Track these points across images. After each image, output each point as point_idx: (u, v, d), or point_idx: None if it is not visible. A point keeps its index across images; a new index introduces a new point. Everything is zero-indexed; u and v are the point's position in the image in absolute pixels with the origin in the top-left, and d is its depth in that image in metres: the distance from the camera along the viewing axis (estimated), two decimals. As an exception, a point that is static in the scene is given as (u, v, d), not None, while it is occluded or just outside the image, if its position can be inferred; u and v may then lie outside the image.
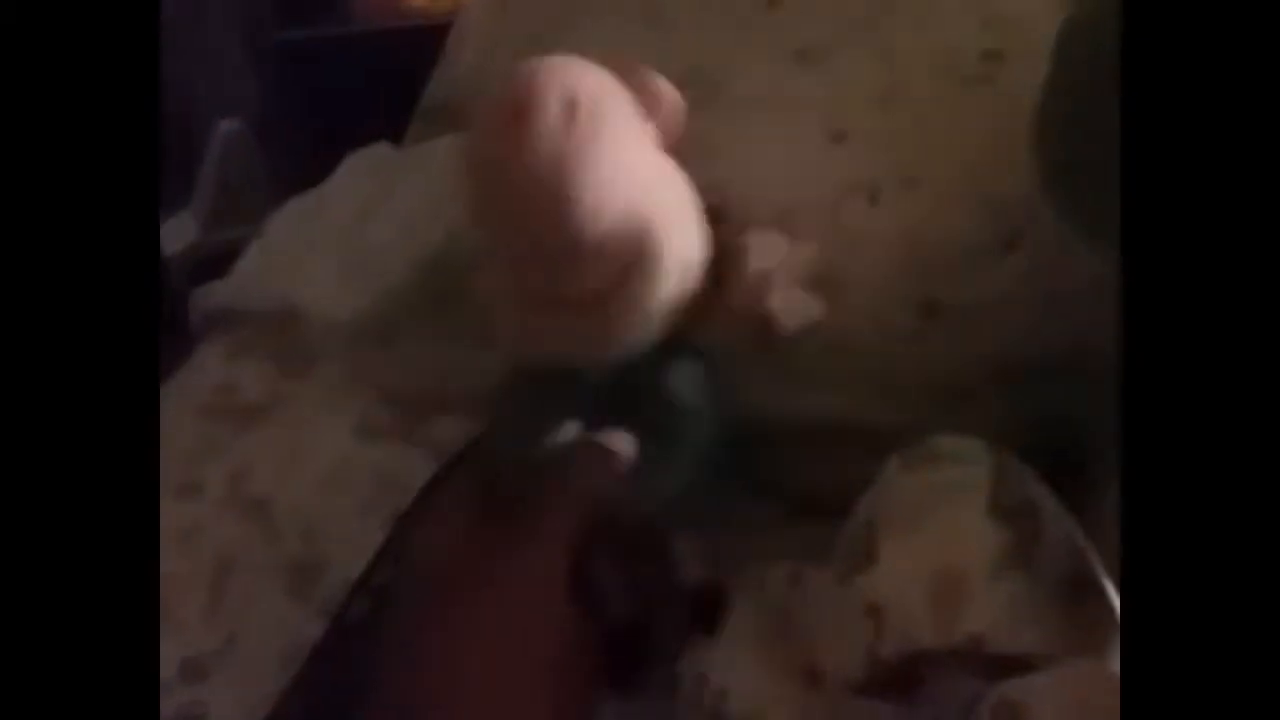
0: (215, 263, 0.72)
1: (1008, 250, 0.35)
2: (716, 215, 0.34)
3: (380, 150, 0.72)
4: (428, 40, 0.77)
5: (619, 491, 0.30)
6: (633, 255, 0.30)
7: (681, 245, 0.31)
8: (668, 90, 0.33)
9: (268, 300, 0.57)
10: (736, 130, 0.42)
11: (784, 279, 0.32)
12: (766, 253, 0.33)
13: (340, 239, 0.59)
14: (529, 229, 0.29)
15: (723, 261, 0.33)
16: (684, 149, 0.42)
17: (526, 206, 0.28)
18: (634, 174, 0.29)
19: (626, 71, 0.31)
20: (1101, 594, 0.25)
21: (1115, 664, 0.23)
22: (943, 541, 0.28)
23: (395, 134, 0.75)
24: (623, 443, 0.31)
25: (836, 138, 0.39)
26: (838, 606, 0.28)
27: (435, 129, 0.73)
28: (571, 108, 0.28)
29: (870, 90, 0.39)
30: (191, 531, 0.48)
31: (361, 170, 0.69)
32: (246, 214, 0.81)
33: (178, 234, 1.03)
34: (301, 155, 0.77)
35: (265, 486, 0.48)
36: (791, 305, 0.32)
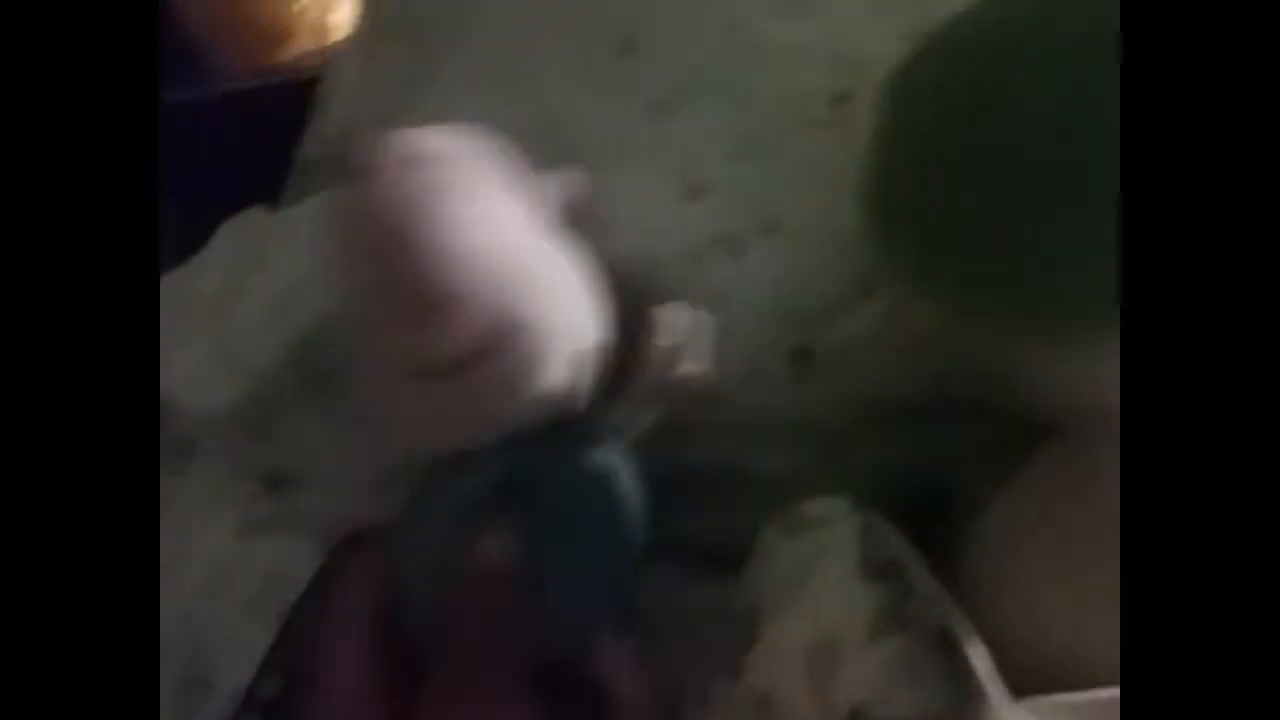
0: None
1: (866, 296, 0.35)
2: (620, 288, 0.33)
3: (253, 216, 0.69)
4: (297, 96, 0.75)
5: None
6: (494, 316, 0.28)
7: (564, 316, 0.30)
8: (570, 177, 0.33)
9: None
10: (596, 185, 0.41)
11: (692, 350, 0.32)
12: (672, 326, 0.32)
13: (211, 319, 0.57)
14: (379, 285, 0.28)
15: (626, 338, 0.32)
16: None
17: (372, 260, 0.28)
18: (493, 228, 0.29)
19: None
20: (967, 650, 0.25)
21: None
22: (816, 610, 0.28)
23: (272, 195, 0.73)
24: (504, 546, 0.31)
25: (694, 192, 0.38)
26: (730, 703, 0.28)
27: (310, 187, 0.70)
28: (409, 162, 0.28)
29: (725, 140, 0.39)
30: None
31: (234, 238, 0.67)
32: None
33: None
34: (178, 224, 0.74)
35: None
36: (697, 374, 0.32)
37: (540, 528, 0.31)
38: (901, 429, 0.35)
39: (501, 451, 0.31)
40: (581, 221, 0.34)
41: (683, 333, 0.32)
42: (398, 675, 0.31)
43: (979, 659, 0.24)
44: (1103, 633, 0.22)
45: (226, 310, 0.57)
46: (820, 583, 0.28)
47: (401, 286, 0.28)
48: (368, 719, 0.30)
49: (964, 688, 0.25)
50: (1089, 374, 0.25)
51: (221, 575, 0.45)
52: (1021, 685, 0.25)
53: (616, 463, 0.32)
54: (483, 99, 0.49)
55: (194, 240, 0.68)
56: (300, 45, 0.97)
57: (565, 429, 0.32)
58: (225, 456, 0.50)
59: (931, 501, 0.32)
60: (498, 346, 0.29)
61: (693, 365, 0.32)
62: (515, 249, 0.29)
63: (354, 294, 0.30)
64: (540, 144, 0.44)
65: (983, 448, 0.31)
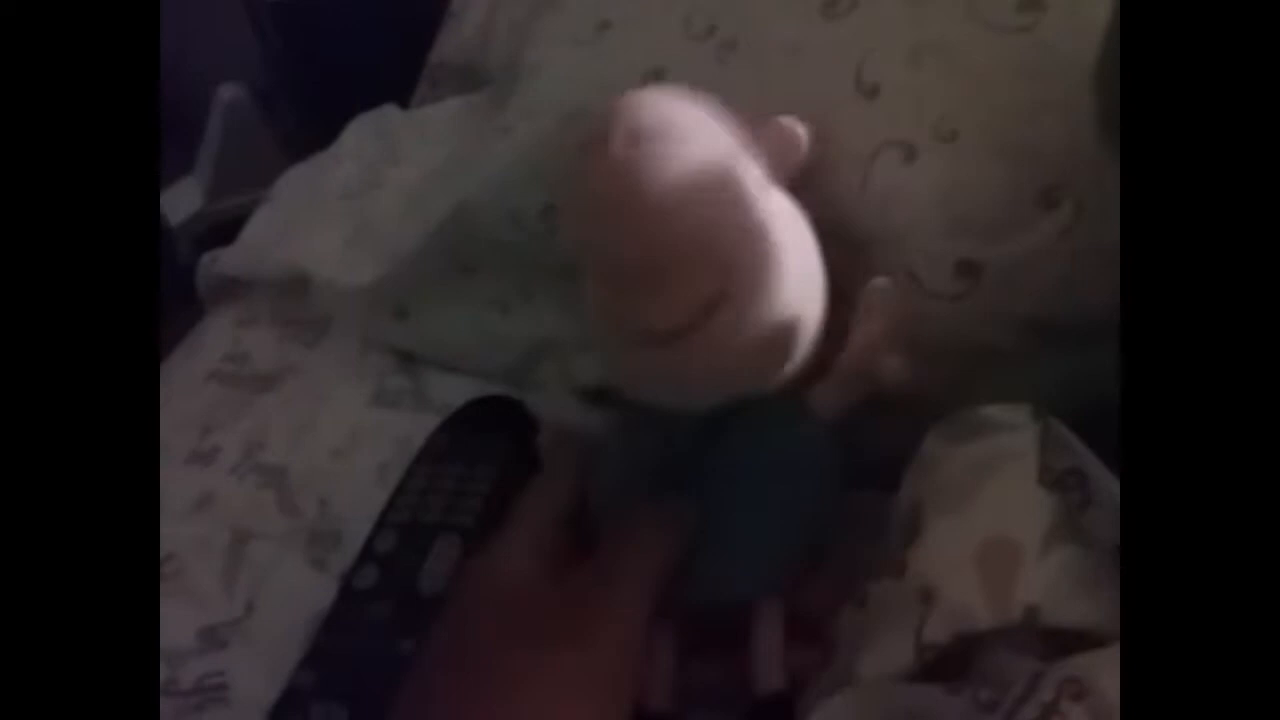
0: (221, 230, 0.71)
1: (1048, 207, 0.34)
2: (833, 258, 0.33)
3: (386, 113, 0.70)
4: (432, 1, 0.75)
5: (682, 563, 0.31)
6: (712, 290, 0.29)
7: (778, 288, 0.30)
8: (790, 130, 0.33)
9: (276, 268, 0.56)
10: (762, 85, 0.40)
11: (894, 341, 0.32)
12: (880, 310, 0.32)
13: (347, 206, 0.58)
14: (602, 255, 0.29)
15: (835, 314, 0.32)
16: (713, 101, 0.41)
17: (595, 232, 0.29)
18: (715, 200, 0.29)
19: (744, 119, 0.31)
20: None
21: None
22: (992, 514, 0.27)
23: (401, 96, 0.74)
24: (683, 515, 0.31)
25: (869, 92, 0.37)
26: (890, 598, 0.27)
27: (442, 90, 0.71)
28: (636, 136, 0.28)
29: (902, 43, 0.37)
30: (205, 499, 0.47)
31: (367, 134, 0.68)
32: (251, 180, 0.79)
33: (181, 202, 1.02)
34: (306, 119, 0.76)
35: (280, 455, 0.48)
36: (896, 367, 0.32)
37: (727, 491, 0.32)
38: (1070, 348, 0.34)
39: (703, 419, 0.32)
40: (799, 174, 0.34)
41: (893, 316, 0.31)
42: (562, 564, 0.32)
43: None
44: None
45: (364, 199, 0.58)
46: (997, 486, 0.28)
47: (625, 260, 0.29)
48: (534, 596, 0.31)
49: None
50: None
51: (352, 440, 0.47)
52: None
53: (811, 443, 0.33)
54: (634, 1, 0.48)
55: (326, 133, 0.70)
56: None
57: (768, 404, 0.32)
58: (360, 333, 0.52)
59: (1102, 424, 0.30)
60: (711, 318, 0.29)
61: (896, 357, 0.32)
62: (736, 221, 0.29)
63: (579, 256, 0.31)
64: (700, 45, 0.44)
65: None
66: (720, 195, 0.29)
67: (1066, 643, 0.24)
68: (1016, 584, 0.25)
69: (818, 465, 0.33)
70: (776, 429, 0.32)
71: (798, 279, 0.31)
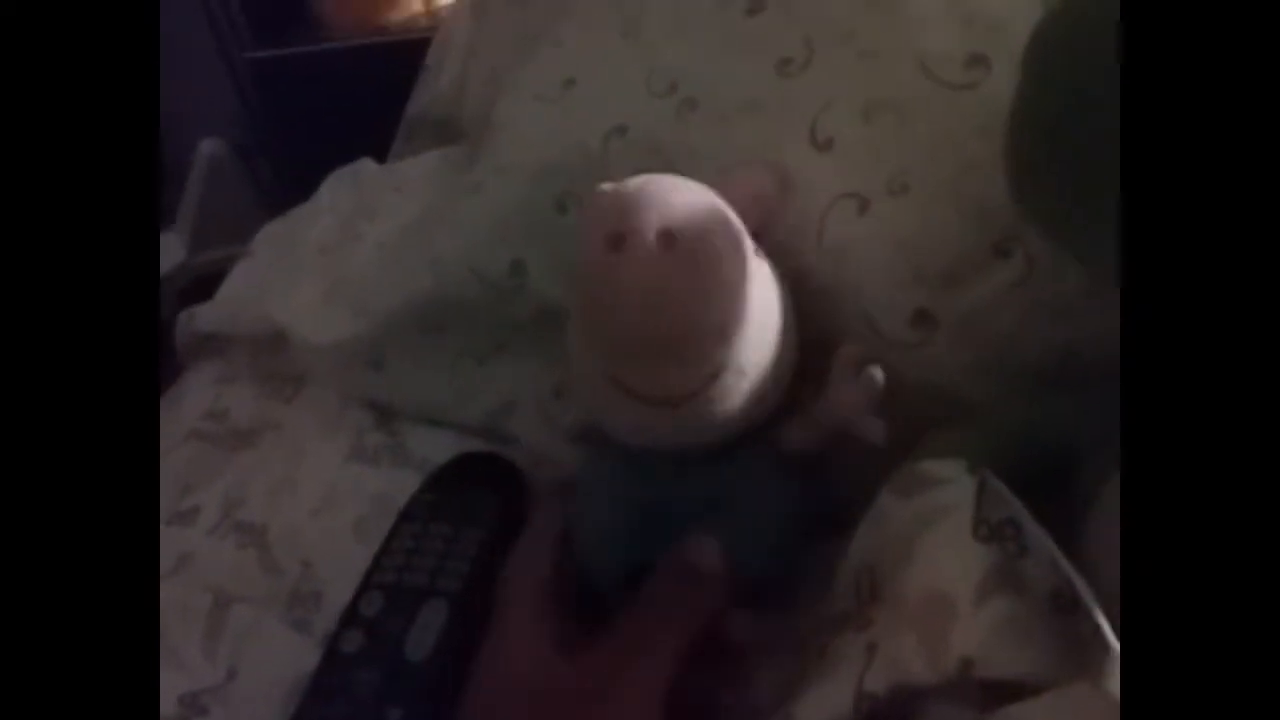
0: (203, 283, 0.72)
1: (999, 258, 0.35)
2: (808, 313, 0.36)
3: (362, 167, 0.71)
4: (408, 55, 0.77)
5: (714, 610, 0.32)
6: (717, 362, 0.31)
7: (765, 347, 0.33)
8: (758, 180, 0.36)
9: (254, 324, 0.57)
10: (721, 140, 0.41)
11: (874, 405, 0.34)
12: (856, 374, 0.34)
13: (324, 260, 0.59)
14: (629, 337, 0.31)
15: (810, 367, 0.35)
16: (672, 160, 0.42)
17: (624, 323, 0.31)
18: (729, 293, 0.31)
19: (731, 183, 0.34)
20: (1087, 612, 0.24)
21: (1110, 685, 0.23)
22: (928, 568, 0.28)
23: (379, 149, 0.75)
24: (710, 553, 0.33)
25: (823, 147, 0.38)
26: (842, 650, 0.28)
27: (419, 143, 0.72)
28: (669, 237, 0.30)
29: (855, 98, 0.39)
30: (185, 560, 0.47)
31: (344, 188, 0.69)
32: (231, 233, 0.80)
33: (164, 255, 1.02)
34: (284, 173, 0.77)
35: (259, 513, 0.48)
36: (877, 429, 0.34)
37: (700, 520, 0.34)
38: (1024, 395, 0.34)
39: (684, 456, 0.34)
40: (771, 220, 0.36)
41: (865, 385, 0.33)
42: (565, 620, 0.33)
43: (1095, 620, 0.24)
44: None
45: (340, 254, 0.59)
46: (933, 541, 0.28)
47: (651, 342, 0.31)
48: (538, 654, 0.31)
49: (1077, 648, 0.25)
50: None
51: (331, 497, 0.47)
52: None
53: (780, 470, 0.35)
54: (600, 56, 0.50)
55: (304, 187, 0.71)
56: (410, 6, 1.00)
57: (746, 447, 0.34)
58: (337, 387, 0.52)
59: (1052, 470, 0.31)
60: (711, 387, 0.32)
61: (878, 421, 0.34)
62: (741, 301, 0.32)
63: (597, 334, 0.33)
64: (661, 101, 0.45)
65: (1109, 417, 0.31)
66: (733, 281, 0.32)
67: (1003, 693, 0.25)
68: (951, 637, 0.26)
69: (782, 498, 0.35)
70: (746, 463, 0.35)
71: (776, 336, 0.33)
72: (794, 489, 0.35)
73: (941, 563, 0.28)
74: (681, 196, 0.32)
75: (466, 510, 0.41)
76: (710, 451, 0.34)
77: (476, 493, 0.43)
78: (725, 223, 0.32)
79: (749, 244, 0.33)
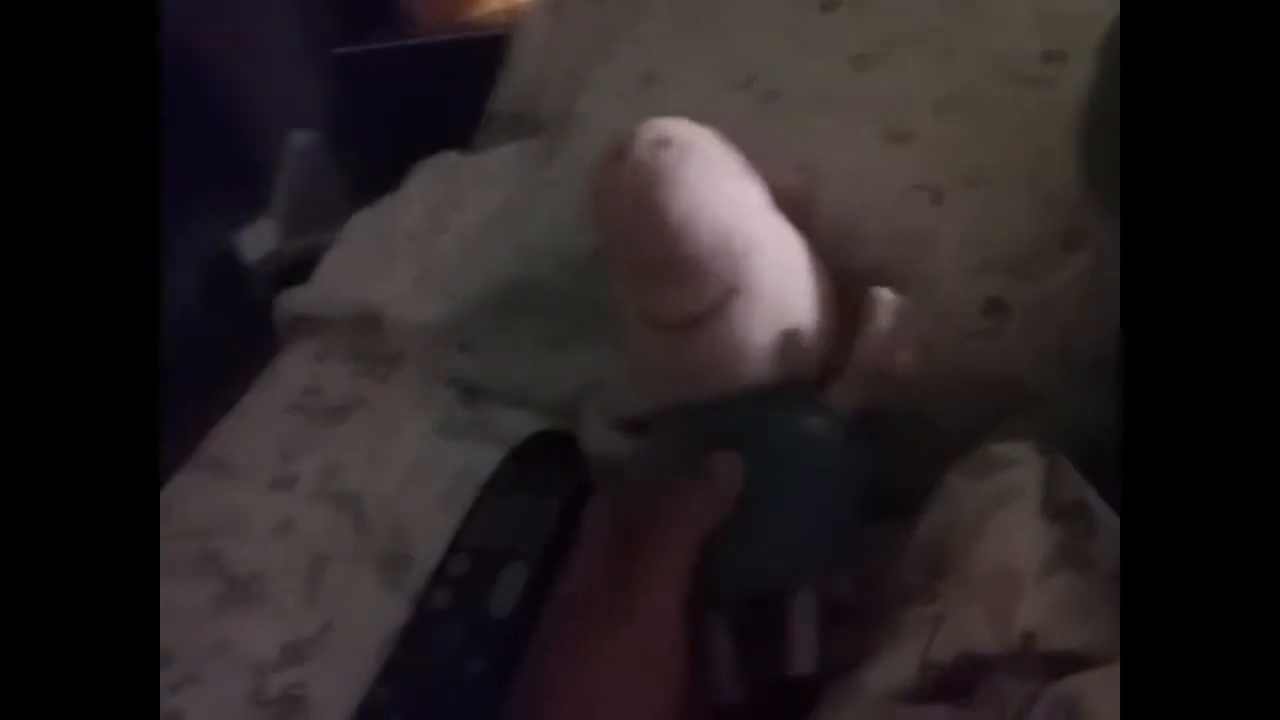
0: (295, 268, 0.76)
1: (1071, 248, 0.35)
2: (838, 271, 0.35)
3: (448, 158, 0.75)
4: (489, 50, 0.80)
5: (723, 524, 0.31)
6: (727, 280, 0.32)
7: (787, 290, 0.33)
8: (787, 174, 0.35)
9: (348, 305, 0.61)
10: (796, 134, 0.43)
11: (906, 338, 0.33)
12: (890, 312, 0.34)
13: (414, 246, 0.62)
14: (629, 248, 0.32)
15: (844, 320, 0.34)
16: (747, 152, 0.43)
17: (623, 227, 0.32)
18: (729, 204, 0.32)
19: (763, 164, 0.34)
20: None
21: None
22: (997, 544, 0.29)
23: (462, 141, 0.78)
24: (730, 469, 0.32)
25: (898, 139, 0.39)
26: (909, 621, 0.29)
27: (501, 135, 0.75)
28: (661, 144, 0.31)
29: (930, 92, 0.40)
30: (286, 524, 0.51)
31: (431, 178, 0.72)
32: (323, 220, 0.84)
33: (259, 240, 1.08)
34: (373, 164, 0.81)
35: (353, 482, 0.51)
36: (907, 361, 0.33)
37: (754, 480, 0.33)
38: (1094, 383, 0.35)
39: (725, 408, 0.34)
40: (801, 209, 0.36)
41: (898, 319, 0.33)
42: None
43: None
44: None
45: (429, 241, 0.62)
46: (1003, 519, 0.29)
47: (647, 251, 0.32)
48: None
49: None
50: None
51: (420, 470, 0.50)
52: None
53: (831, 431, 0.34)
54: (678, 52, 0.51)
55: (392, 177, 0.75)
56: (491, 2, 1.03)
57: (786, 396, 0.34)
58: (427, 367, 0.55)
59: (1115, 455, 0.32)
60: (726, 309, 0.32)
61: (906, 355, 0.33)
62: (747, 225, 0.32)
63: (608, 251, 0.34)
64: (739, 95, 0.46)
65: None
66: (734, 200, 0.32)
67: (1066, 665, 0.26)
68: (1017, 610, 0.27)
69: (840, 462, 0.34)
70: (799, 429, 0.34)
71: (800, 290, 0.33)
72: (848, 468, 0.34)
73: (1011, 540, 0.29)
74: (680, 122, 0.32)
75: (544, 482, 0.44)
76: (759, 418, 0.33)
77: (553, 467, 0.45)
78: (721, 142, 0.33)
79: (760, 190, 0.33)
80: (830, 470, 0.33)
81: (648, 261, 0.32)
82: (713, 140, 0.33)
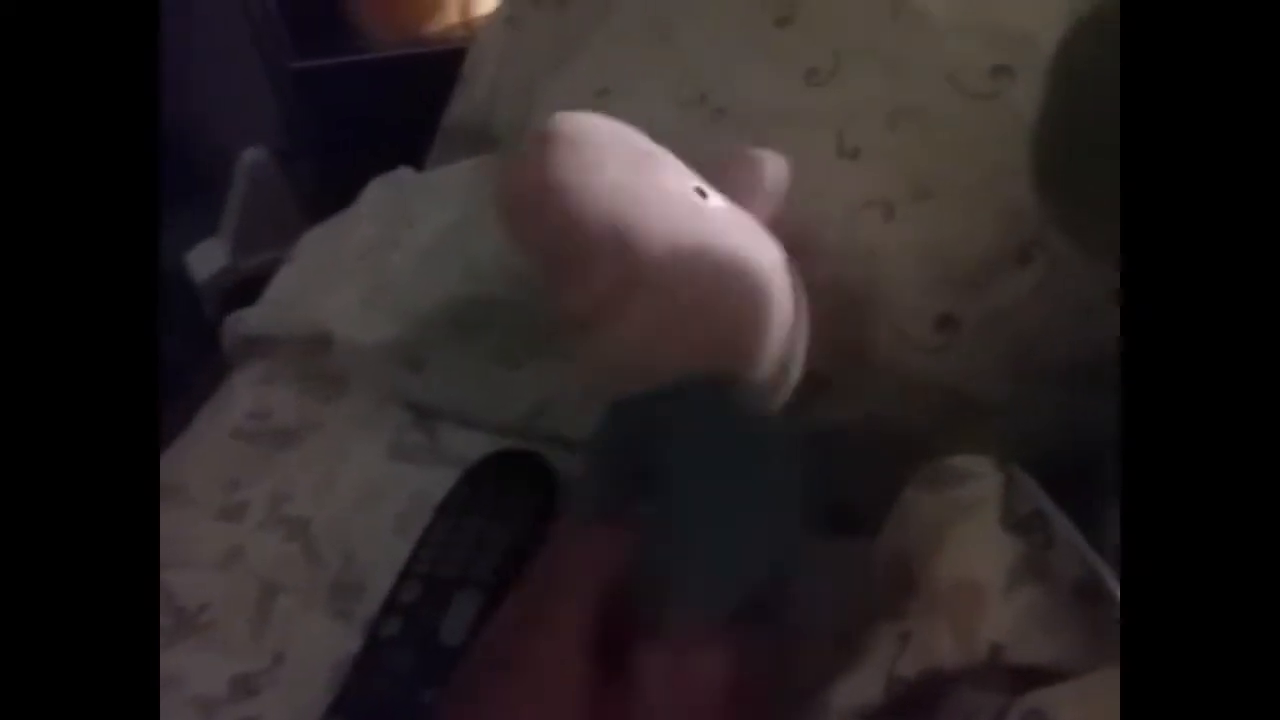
0: (245, 287, 0.74)
1: (1022, 262, 0.36)
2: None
3: (401, 175, 0.73)
4: (447, 65, 0.79)
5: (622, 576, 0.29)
6: (619, 270, 0.30)
7: (699, 284, 0.31)
8: (752, 157, 0.36)
9: (297, 326, 0.59)
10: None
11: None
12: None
13: (365, 265, 0.61)
14: (520, 244, 0.32)
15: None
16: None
17: (516, 223, 0.32)
18: (617, 195, 0.30)
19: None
20: (1111, 601, 0.25)
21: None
22: (959, 557, 0.29)
23: (419, 158, 0.77)
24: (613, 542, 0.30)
25: (848, 155, 0.39)
26: (875, 639, 0.29)
27: (454, 152, 0.74)
28: (546, 138, 0.30)
29: (880, 107, 0.40)
30: (235, 553, 0.49)
31: (383, 195, 0.71)
32: (273, 239, 0.83)
33: (207, 261, 1.06)
34: (326, 181, 0.80)
35: (303, 508, 0.50)
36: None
37: (682, 481, 0.31)
38: (1045, 395, 0.35)
39: (651, 403, 0.32)
40: (774, 205, 0.35)
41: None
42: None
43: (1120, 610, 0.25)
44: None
45: (380, 259, 0.61)
46: (963, 532, 0.29)
47: (540, 249, 0.32)
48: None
49: (1101, 637, 0.26)
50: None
51: (371, 493, 0.49)
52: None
53: (761, 425, 0.33)
54: (632, 67, 0.51)
55: (345, 194, 0.74)
56: (448, 17, 1.03)
57: (714, 389, 0.32)
58: (378, 388, 0.54)
59: (1075, 465, 0.32)
60: (624, 302, 0.31)
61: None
62: (645, 216, 0.31)
63: (519, 252, 0.33)
64: (692, 110, 0.46)
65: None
66: (628, 193, 0.31)
67: (1031, 679, 0.25)
68: (982, 624, 0.27)
69: (765, 458, 0.32)
70: (717, 424, 0.32)
71: (727, 278, 0.31)
72: (795, 480, 0.32)
73: (972, 552, 0.29)
74: (583, 117, 0.32)
75: (499, 505, 0.43)
76: (672, 416, 0.31)
77: (509, 489, 0.44)
78: (627, 141, 0.32)
79: (687, 178, 0.32)
80: (753, 465, 0.32)
81: (536, 256, 0.32)
82: (619, 129, 0.32)
